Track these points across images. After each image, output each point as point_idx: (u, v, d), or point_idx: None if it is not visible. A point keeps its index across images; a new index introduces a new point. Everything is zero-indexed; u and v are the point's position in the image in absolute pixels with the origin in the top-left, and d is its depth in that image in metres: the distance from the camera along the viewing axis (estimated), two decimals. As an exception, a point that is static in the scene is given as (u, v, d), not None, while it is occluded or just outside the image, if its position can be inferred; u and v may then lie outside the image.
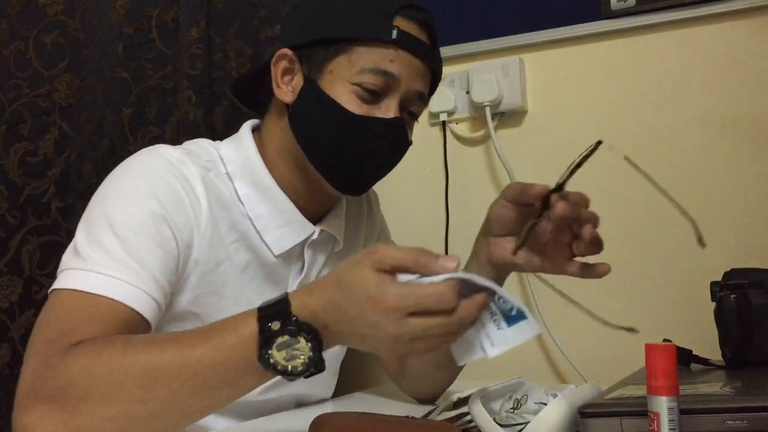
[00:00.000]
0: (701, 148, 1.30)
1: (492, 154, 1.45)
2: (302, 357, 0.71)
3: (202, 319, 0.96)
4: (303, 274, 1.05)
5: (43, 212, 1.51)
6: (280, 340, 0.71)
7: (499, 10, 1.45)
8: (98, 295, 0.84)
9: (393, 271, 0.70)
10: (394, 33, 0.97)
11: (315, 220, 1.06)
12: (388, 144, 0.99)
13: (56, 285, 0.87)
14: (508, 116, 1.44)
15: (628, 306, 1.33)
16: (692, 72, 1.31)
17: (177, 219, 0.92)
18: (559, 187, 0.86)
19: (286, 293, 0.74)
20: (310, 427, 0.78)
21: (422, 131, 1.52)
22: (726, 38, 1.29)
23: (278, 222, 1.02)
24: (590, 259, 0.89)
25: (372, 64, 0.96)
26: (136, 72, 1.48)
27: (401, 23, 0.98)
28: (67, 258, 0.89)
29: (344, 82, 0.97)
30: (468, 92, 1.45)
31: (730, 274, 1.02)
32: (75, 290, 0.85)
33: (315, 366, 0.73)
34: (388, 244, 0.71)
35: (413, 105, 1.02)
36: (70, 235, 1.52)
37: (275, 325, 0.71)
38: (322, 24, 1.00)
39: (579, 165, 0.85)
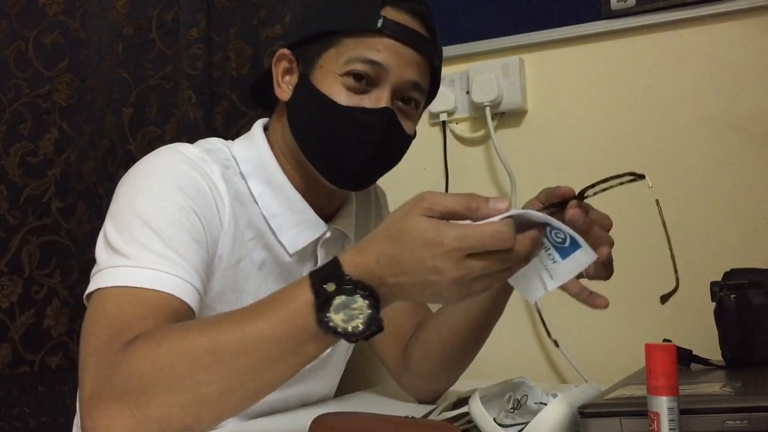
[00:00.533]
0: (701, 148, 1.30)
1: (492, 154, 1.45)
2: (361, 316, 0.70)
3: None
4: None
5: (43, 212, 1.51)
6: (336, 301, 0.70)
7: (499, 10, 1.45)
8: (148, 289, 0.84)
9: (444, 217, 0.69)
10: (380, 22, 0.96)
11: (326, 218, 1.06)
12: (378, 134, 0.97)
13: (100, 284, 0.86)
14: (508, 116, 1.44)
15: (629, 306, 1.33)
16: (692, 72, 1.31)
17: (205, 214, 0.93)
18: (581, 195, 0.83)
19: (336, 256, 0.73)
20: (310, 426, 0.78)
21: (422, 131, 1.51)
22: (726, 38, 1.29)
23: (292, 221, 1.02)
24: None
25: (358, 54, 0.96)
26: (136, 72, 1.48)
27: (390, 13, 0.97)
28: (105, 257, 0.89)
29: (333, 75, 0.97)
30: (468, 92, 1.45)
31: (730, 274, 1.02)
32: (123, 287, 0.84)
33: (375, 324, 0.70)
34: (434, 191, 0.69)
35: (407, 94, 1.00)
36: (70, 235, 1.52)
37: (330, 287, 0.70)
38: (314, 20, 1.01)
39: (607, 181, 0.83)
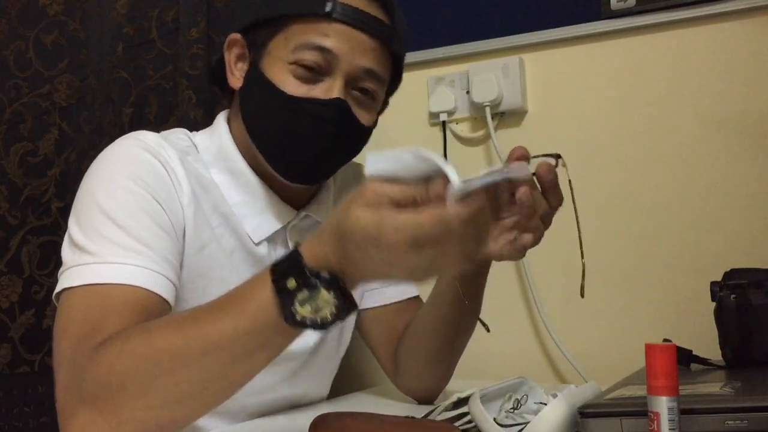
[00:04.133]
0: (701, 148, 1.30)
1: (492, 154, 1.45)
2: (328, 306, 0.67)
3: (191, 305, 0.94)
4: None
5: (43, 212, 1.51)
6: (300, 296, 0.67)
7: (499, 10, 1.45)
8: (113, 284, 0.82)
9: (390, 205, 0.64)
10: (329, 5, 0.91)
11: (300, 204, 1.04)
12: (329, 126, 0.93)
13: (66, 284, 0.84)
14: (508, 116, 1.44)
15: (629, 306, 1.33)
16: (692, 72, 1.31)
17: (165, 199, 0.91)
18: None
19: (296, 246, 0.70)
20: (310, 427, 0.78)
21: (422, 131, 1.52)
22: (726, 38, 1.29)
23: (255, 209, 1.00)
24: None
25: (305, 40, 0.92)
26: (136, 72, 1.48)
27: None
28: (69, 255, 0.87)
29: (282, 63, 0.93)
30: (468, 92, 1.45)
31: (730, 274, 1.02)
32: (88, 285, 0.83)
33: (345, 310, 0.68)
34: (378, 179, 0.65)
35: (363, 83, 0.95)
36: (70, 235, 1.51)
37: (291, 283, 0.67)
38: (262, 3, 0.97)
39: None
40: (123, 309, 0.81)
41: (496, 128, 1.43)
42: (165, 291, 0.86)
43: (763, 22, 1.27)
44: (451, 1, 1.49)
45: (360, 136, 0.99)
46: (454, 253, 0.64)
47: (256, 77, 0.95)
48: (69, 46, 1.54)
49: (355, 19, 0.92)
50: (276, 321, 0.68)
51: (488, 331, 0.84)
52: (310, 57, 0.92)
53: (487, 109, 1.42)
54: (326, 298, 0.67)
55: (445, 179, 0.64)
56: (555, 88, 1.42)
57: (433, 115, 1.50)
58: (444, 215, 0.62)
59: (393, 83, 1.04)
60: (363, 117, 0.97)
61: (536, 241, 0.83)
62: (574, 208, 0.82)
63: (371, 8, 0.94)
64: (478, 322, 0.90)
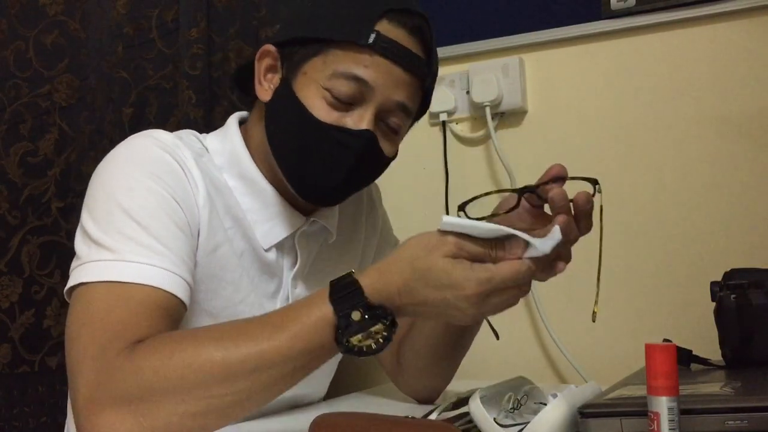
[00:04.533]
0: (701, 148, 1.30)
1: (492, 154, 1.45)
2: (378, 338, 0.74)
3: (202, 307, 0.94)
4: (297, 266, 1.04)
5: (43, 212, 1.51)
6: (357, 327, 0.74)
7: (499, 10, 1.45)
8: (135, 284, 0.82)
9: (468, 259, 0.74)
10: (372, 37, 0.91)
11: (308, 211, 1.04)
12: (354, 156, 0.93)
13: (82, 278, 0.83)
14: (508, 116, 1.44)
15: (629, 306, 1.33)
16: (692, 72, 1.31)
17: (184, 199, 0.91)
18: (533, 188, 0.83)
19: (352, 275, 0.77)
20: (310, 427, 0.78)
21: (422, 131, 1.52)
22: (726, 38, 1.29)
23: (266, 215, 1.00)
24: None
25: (344, 68, 0.91)
26: (136, 72, 1.48)
27: (385, 28, 0.92)
28: (86, 250, 0.86)
29: (316, 86, 0.93)
30: (468, 92, 1.45)
31: (730, 274, 1.02)
32: (109, 282, 0.82)
33: (387, 342, 0.75)
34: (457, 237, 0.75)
35: (393, 117, 0.96)
36: (70, 235, 1.52)
37: (356, 315, 0.74)
38: (304, 22, 0.97)
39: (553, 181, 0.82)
40: (148, 311, 0.81)
41: (496, 128, 1.43)
42: (183, 293, 0.86)
43: (763, 22, 1.27)
44: (451, 1, 1.49)
45: (380, 166, 1.00)
46: (512, 301, 0.76)
47: (287, 95, 0.95)
48: (69, 46, 1.54)
49: (394, 54, 0.92)
50: (329, 345, 0.75)
51: (498, 338, 0.84)
52: (345, 86, 0.92)
53: (487, 109, 1.42)
54: (378, 330, 0.74)
55: (518, 241, 0.75)
56: (555, 88, 1.42)
57: (433, 115, 1.50)
58: (522, 267, 0.73)
59: (418, 115, 1.04)
60: (387, 148, 0.98)
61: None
62: (600, 235, 0.82)
63: (412, 44, 0.94)
64: (488, 329, 0.90)
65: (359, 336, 0.74)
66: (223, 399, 0.75)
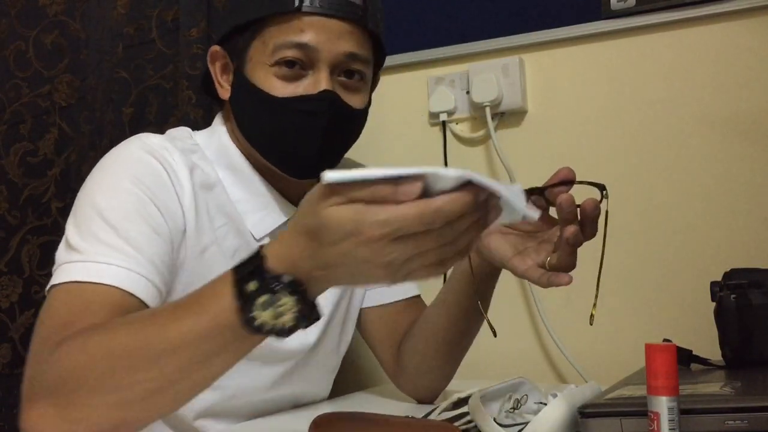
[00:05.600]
0: (701, 148, 1.30)
1: (492, 154, 1.45)
2: (290, 312, 0.64)
3: None
4: None
5: (43, 212, 1.51)
6: (261, 300, 0.64)
7: (499, 10, 1.45)
8: (93, 283, 0.82)
9: (355, 200, 0.61)
10: (296, 0, 0.92)
11: (300, 199, 1.04)
12: (323, 120, 0.94)
13: (52, 281, 0.85)
14: (508, 116, 1.44)
15: (629, 306, 1.33)
16: (692, 72, 1.31)
17: (165, 203, 0.91)
18: (540, 190, 0.83)
19: (259, 248, 0.67)
20: (310, 427, 0.78)
21: (422, 131, 1.52)
22: (726, 38, 1.29)
23: (256, 205, 1.01)
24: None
25: (282, 40, 0.92)
26: (136, 72, 1.49)
27: None
28: (61, 254, 0.88)
29: (264, 66, 0.94)
30: (468, 92, 1.45)
31: (730, 274, 1.02)
32: (71, 282, 0.83)
33: (307, 316, 0.65)
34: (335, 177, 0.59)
35: (348, 67, 0.95)
36: (70, 235, 1.51)
37: (252, 286, 0.64)
38: (238, 10, 0.97)
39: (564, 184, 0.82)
40: (98, 308, 0.80)
41: (496, 128, 1.43)
42: (147, 295, 0.85)
43: (763, 22, 1.27)
44: (451, 1, 1.49)
45: (356, 119, 0.99)
46: (432, 255, 0.62)
47: (242, 85, 0.96)
48: (69, 46, 1.54)
49: (326, 8, 0.92)
50: (235, 325, 0.66)
51: (495, 336, 0.83)
52: (290, 56, 0.92)
53: (487, 109, 1.42)
54: (288, 303, 0.64)
55: (417, 179, 0.59)
56: (555, 88, 1.42)
57: (433, 115, 1.50)
58: (428, 208, 0.59)
59: (378, 59, 1.04)
60: (354, 101, 0.98)
61: (567, 271, 0.83)
62: (604, 240, 0.81)
63: None
64: (486, 326, 0.90)
65: (269, 312, 0.64)
66: (136, 387, 0.70)
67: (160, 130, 1.48)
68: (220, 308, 0.67)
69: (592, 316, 0.82)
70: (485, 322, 0.94)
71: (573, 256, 0.81)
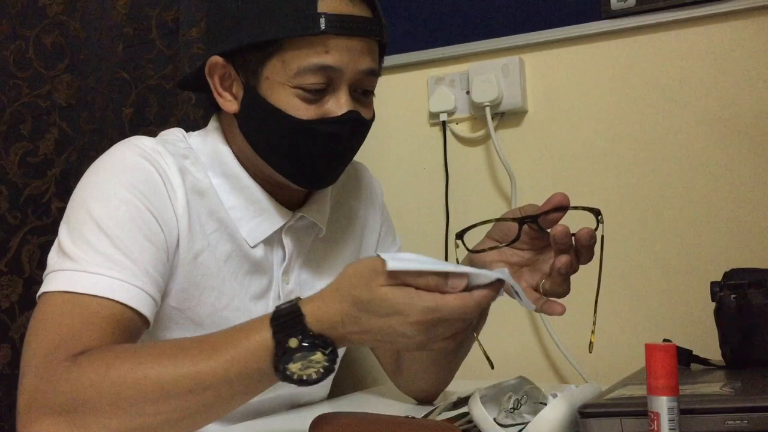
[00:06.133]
0: (701, 148, 1.30)
1: (492, 154, 1.45)
2: (318, 367, 0.72)
3: (186, 315, 0.95)
4: (286, 262, 1.03)
5: (43, 212, 1.51)
6: (297, 354, 0.72)
7: (499, 10, 1.45)
8: (91, 295, 0.83)
9: (408, 285, 0.71)
10: (322, 22, 0.89)
11: (296, 205, 1.04)
12: (347, 140, 0.95)
13: (45, 288, 0.85)
14: (508, 116, 1.44)
15: (629, 306, 1.33)
16: (692, 72, 1.31)
17: (159, 209, 0.91)
18: (535, 217, 0.84)
19: (297, 302, 0.74)
20: (310, 427, 0.78)
21: (422, 131, 1.52)
22: (726, 38, 1.29)
23: (251, 212, 1.00)
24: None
25: (307, 62, 0.90)
26: (136, 72, 1.49)
27: (328, 5, 0.90)
28: (54, 259, 0.88)
29: (284, 87, 0.91)
30: (468, 92, 1.45)
31: (730, 274, 1.02)
32: (66, 292, 0.83)
33: (329, 373, 0.73)
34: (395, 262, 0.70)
35: (365, 85, 0.96)
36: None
37: (293, 342, 0.72)
38: (248, 26, 0.93)
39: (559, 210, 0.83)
40: (99, 322, 0.82)
41: (496, 128, 1.43)
42: (143, 306, 0.86)
43: (763, 22, 1.27)
44: (451, 1, 1.49)
45: (366, 132, 1.00)
46: (461, 332, 0.73)
47: (258, 104, 0.94)
48: (69, 46, 1.54)
49: (348, 28, 0.91)
50: (266, 370, 0.73)
51: (492, 368, 0.84)
52: (314, 78, 0.91)
53: (487, 109, 1.42)
54: (318, 360, 0.72)
55: (461, 276, 0.71)
56: (555, 88, 1.42)
57: (433, 115, 1.50)
58: (470, 301, 0.70)
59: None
60: (368, 113, 0.98)
61: (561, 297, 0.86)
62: (600, 266, 0.82)
63: (357, 9, 0.93)
64: (488, 330, 0.90)
65: (299, 364, 0.72)
66: (156, 417, 0.74)
67: (160, 129, 1.49)
68: (256, 352, 0.73)
69: (591, 344, 0.83)
70: (486, 324, 0.94)
71: (566, 283, 0.83)
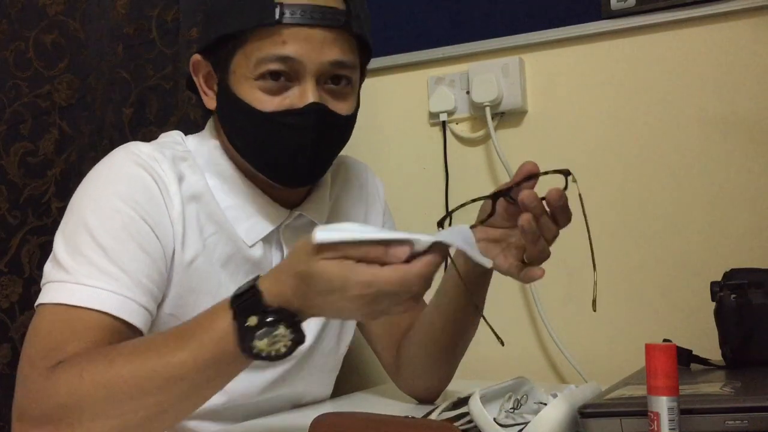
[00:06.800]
0: (701, 148, 1.30)
1: (492, 154, 1.45)
2: (285, 340, 0.72)
3: (182, 321, 0.94)
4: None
5: (43, 212, 1.51)
6: (260, 332, 0.71)
7: (499, 10, 1.45)
8: (81, 307, 0.83)
9: (347, 257, 0.69)
10: (277, 12, 0.89)
11: (294, 205, 1.04)
12: (312, 133, 0.93)
13: (40, 299, 0.86)
14: (508, 116, 1.44)
15: (629, 306, 1.33)
16: (692, 72, 1.31)
17: (155, 218, 0.91)
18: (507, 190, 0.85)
19: (255, 281, 0.73)
20: (311, 427, 0.78)
21: (422, 131, 1.52)
22: (726, 38, 1.29)
23: (248, 212, 1.00)
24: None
25: (264, 53, 0.90)
26: (136, 72, 1.49)
27: None
28: (49, 270, 0.88)
29: (247, 80, 0.92)
30: (468, 92, 1.45)
31: (730, 274, 1.02)
32: (59, 304, 0.84)
33: (297, 342, 0.73)
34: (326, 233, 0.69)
35: (334, 74, 0.94)
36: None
37: (252, 321, 0.71)
38: (216, 21, 0.95)
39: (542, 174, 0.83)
40: (87, 333, 0.83)
41: (496, 128, 1.43)
42: (134, 317, 0.87)
43: (763, 22, 1.27)
44: (451, 1, 1.49)
45: (344, 126, 0.98)
46: (408, 301, 0.71)
47: (228, 97, 0.95)
48: (69, 46, 1.54)
49: (307, 17, 0.90)
50: (234, 352, 0.73)
51: (503, 345, 0.84)
52: (272, 68, 0.90)
53: (487, 109, 1.42)
54: (283, 333, 0.71)
55: (402, 244, 0.68)
56: (555, 88, 1.42)
57: (433, 115, 1.50)
58: (408, 273, 0.68)
59: (364, 58, 1.02)
60: (342, 108, 0.96)
61: (542, 261, 0.84)
62: (586, 223, 0.82)
63: None
64: (485, 326, 0.90)
65: (264, 341, 0.71)
66: (137, 414, 0.75)
67: (160, 130, 1.49)
68: (220, 338, 0.73)
69: (594, 301, 0.82)
70: (482, 326, 0.94)
71: (538, 245, 0.82)
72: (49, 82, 1.54)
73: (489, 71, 1.42)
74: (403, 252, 0.68)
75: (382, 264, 0.68)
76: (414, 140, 1.52)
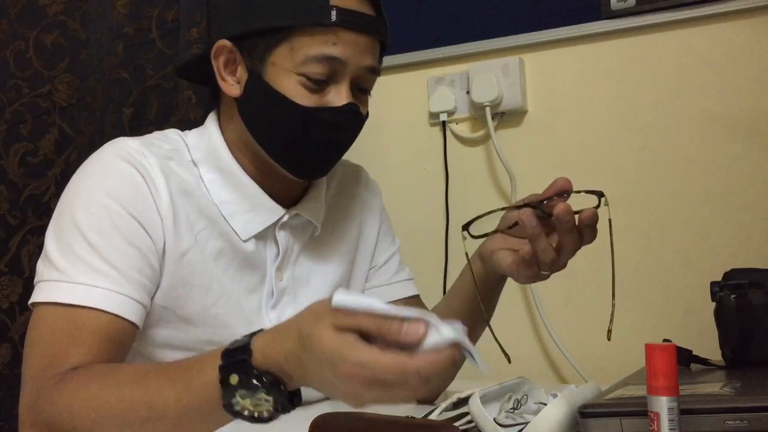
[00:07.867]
0: (701, 148, 1.30)
1: (492, 154, 1.45)
2: (266, 404, 0.69)
3: (176, 313, 0.95)
4: (280, 258, 1.04)
5: (43, 212, 1.51)
6: (240, 392, 0.69)
7: (499, 10, 1.45)
8: (80, 306, 0.84)
9: (356, 332, 0.64)
10: (334, 14, 0.92)
11: (290, 203, 1.04)
12: (345, 132, 0.97)
13: (36, 298, 0.87)
14: (508, 116, 1.44)
15: (629, 306, 1.33)
16: (692, 72, 1.31)
17: (143, 212, 0.92)
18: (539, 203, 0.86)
19: (250, 337, 0.71)
20: (310, 427, 0.78)
21: (422, 131, 1.52)
22: (726, 38, 1.29)
23: (244, 207, 1.01)
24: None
25: (315, 51, 0.92)
26: (136, 72, 1.49)
27: (339, 0, 0.93)
28: (42, 268, 0.89)
29: (289, 73, 0.94)
30: (468, 92, 1.45)
31: (730, 274, 1.02)
32: (57, 304, 0.85)
33: (284, 408, 0.70)
34: (347, 306, 0.64)
35: (365, 82, 0.98)
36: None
37: (233, 379, 0.69)
38: (259, 12, 0.96)
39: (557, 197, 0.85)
40: (86, 337, 0.84)
41: (496, 128, 1.43)
42: (129, 313, 0.88)
43: (763, 22, 1.27)
44: (451, 1, 1.49)
45: (361, 127, 1.01)
46: (402, 397, 0.65)
47: (262, 88, 0.96)
48: (69, 46, 1.54)
49: (356, 24, 0.94)
50: (216, 405, 0.71)
51: (509, 362, 0.84)
52: (320, 68, 0.93)
53: (487, 109, 1.42)
54: (266, 398, 0.68)
55: (417, 324, 0.62)
56: (555, 88, 1.42)
57: (433, 115, 1.50)
58: (408, 365, 0.61)
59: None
60: (363, 109, 1.00)
61: (571, 255, 0.88)
62: (612, 249, 0.84)
63: (364, 7, 0.95)
64: (488, 330, 0.91)
65: (248, 401, 0.69)
66: None
67: (160, 130, 1.49)
68: (204, 388, 0.72)
69: (609, 331, 0.83)
70: (494, 309, 0.96)
71: (565, 258, 0.87)
72: (49, 82, 1.54)
73: (489, 71, 1.42)
74: (420, 332, 0.62)
75: (389, 344, 0.63)
76: (414, 140, 1.53)
